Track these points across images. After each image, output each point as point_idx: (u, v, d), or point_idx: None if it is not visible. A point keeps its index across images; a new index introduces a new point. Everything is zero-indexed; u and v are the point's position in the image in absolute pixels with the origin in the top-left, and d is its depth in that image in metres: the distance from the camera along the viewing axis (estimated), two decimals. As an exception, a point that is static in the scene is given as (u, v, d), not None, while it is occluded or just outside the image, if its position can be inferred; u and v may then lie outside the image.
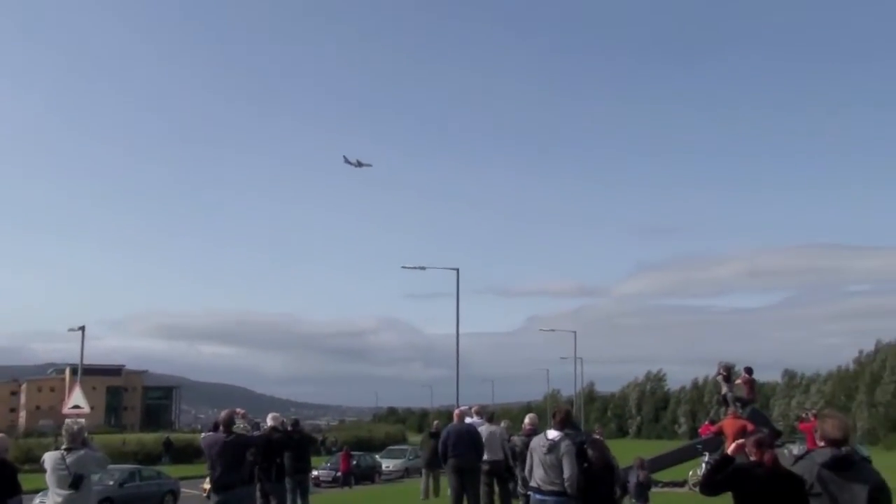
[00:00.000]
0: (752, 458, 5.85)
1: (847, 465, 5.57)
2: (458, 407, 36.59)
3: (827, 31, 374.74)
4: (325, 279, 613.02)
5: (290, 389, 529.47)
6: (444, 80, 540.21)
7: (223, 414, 10.63)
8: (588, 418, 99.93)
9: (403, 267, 44.79)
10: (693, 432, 74.36)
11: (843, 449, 5.62)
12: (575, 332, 70.35)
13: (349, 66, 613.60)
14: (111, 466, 23.10)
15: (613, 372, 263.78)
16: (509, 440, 15.12)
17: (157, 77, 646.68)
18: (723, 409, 22.46)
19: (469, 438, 14.82)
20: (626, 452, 31.40)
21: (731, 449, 6.29)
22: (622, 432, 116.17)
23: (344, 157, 79.52)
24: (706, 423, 32.69)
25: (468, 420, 15.65)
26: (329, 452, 55.21)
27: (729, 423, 17.14)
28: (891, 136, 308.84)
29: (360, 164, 79.92)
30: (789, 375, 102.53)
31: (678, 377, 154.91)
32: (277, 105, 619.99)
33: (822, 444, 5.73)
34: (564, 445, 9.75)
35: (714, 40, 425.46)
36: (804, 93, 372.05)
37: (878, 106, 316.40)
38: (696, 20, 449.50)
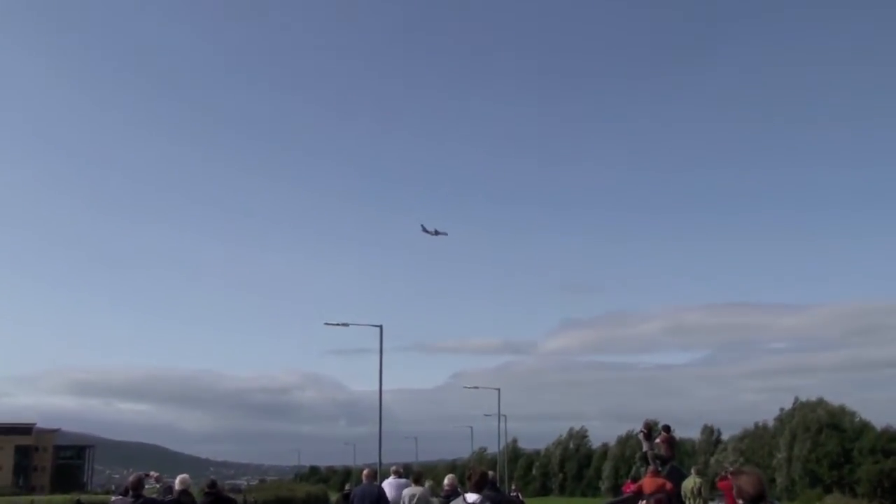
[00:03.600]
0: None
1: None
2: (380, 465, 36.20)
3: (731, 90, 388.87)
4: (248, 335, 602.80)
5: (210, 448, 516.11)
6: (363, 126, 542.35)
7: (132, 477, 10.28)
8: (512, 476, 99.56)
9: (326, 324, 44.07)
10: (616, 489, 74.69)
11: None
12: (499, 390, 70.51)
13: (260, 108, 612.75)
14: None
15: (538, 428, 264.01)
16: (427, 502, 14.90)
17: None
18: (643, 467, 22.62)
19: (372, 499, 14.56)
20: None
21: None
22: (546, 490, 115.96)
23: (422, 226, 78.98)
24: (628, 480, 32.81)
25: (390, 480, 15.41)
26: (248, 513, 53.77)
27: (648, 482, 17.25)
28: (810, 195, 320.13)
29: (437, 233, 79.65)
30: (708, 432, 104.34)
31: (602, 434, 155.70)
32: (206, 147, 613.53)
33: (739, 501, 5.75)
34: (485, 507, 9.59)
35: (635, 93, 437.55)
36: (722, 150, 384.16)
37: (796, 165, 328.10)
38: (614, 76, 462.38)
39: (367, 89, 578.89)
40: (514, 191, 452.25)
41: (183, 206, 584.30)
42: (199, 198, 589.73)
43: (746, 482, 5.74)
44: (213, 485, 16.15)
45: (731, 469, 21.74)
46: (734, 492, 5.89)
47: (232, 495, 30.34)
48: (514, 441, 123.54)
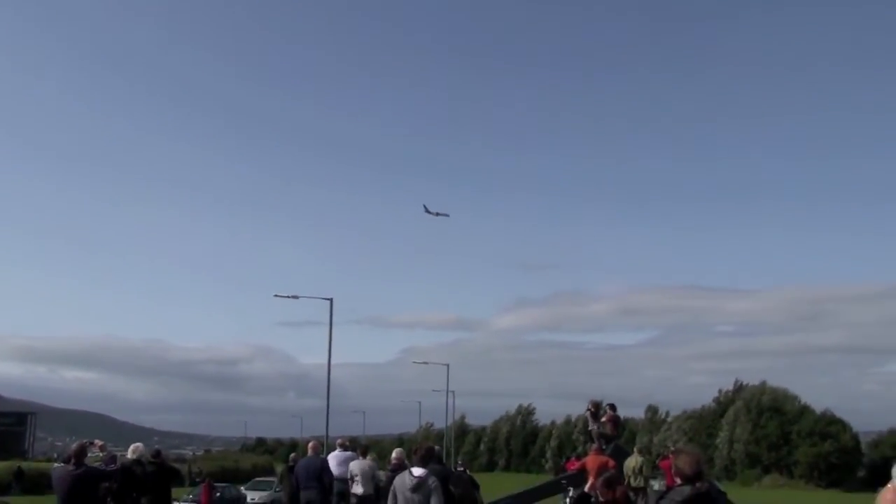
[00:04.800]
0: (602, 497, 5.96)
1: (706, 502, 5.69)
2: (327, 438, 36.17)
3: (688, 74, 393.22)
4: (199, 306, 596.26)
5: (156, 418, 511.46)
6: (309, 100, 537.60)
7: (75, 445, 10.17)
8: (459, 451, 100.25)
9: (276, 296, 43.62)
10: (561, 467, 75.61)
11: (699, 485, 5.74)
12: (448, 365, 70.87)
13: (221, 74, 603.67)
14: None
15: (487, 405, 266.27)
16: (374, 475, 14.98)
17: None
18: (589, 445, 22.89)
19: (316, 472, 14.60)
20: (495, 486, 31.68)
21: (588, 486, 6.42)
22: (492, 465, 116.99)
23: (424, 206, 78.22)
24: (572, 458, 33.20)
25: (336, 453, 15.45)
26: (193, 483, 53.41)
27: (591, 460, 17.49)
28: (759, 182, 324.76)
29: (438, 214, 79.14)
30: (652, 412, 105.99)
31: (550, 411, 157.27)
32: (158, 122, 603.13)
33: (677, 480, 5.86)
34: (431, 482, 9.66)
35: (594, 75, 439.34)
36: (676, 135, 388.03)
37: (744, 153, 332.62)
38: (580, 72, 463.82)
39: (310, 61, 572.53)
40: (471, 169, 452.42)
41: (132, 175, 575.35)
42: (147, 168, 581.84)
43: (684, 462, 5.86)
44: (157, 454, 15.99)
45: (672, 449, 22.14)
46: (672, 471, 6.00)
47: (176, 465, 30.14)
48: (463, 417, 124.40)
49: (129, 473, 12.51)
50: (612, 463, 16.73)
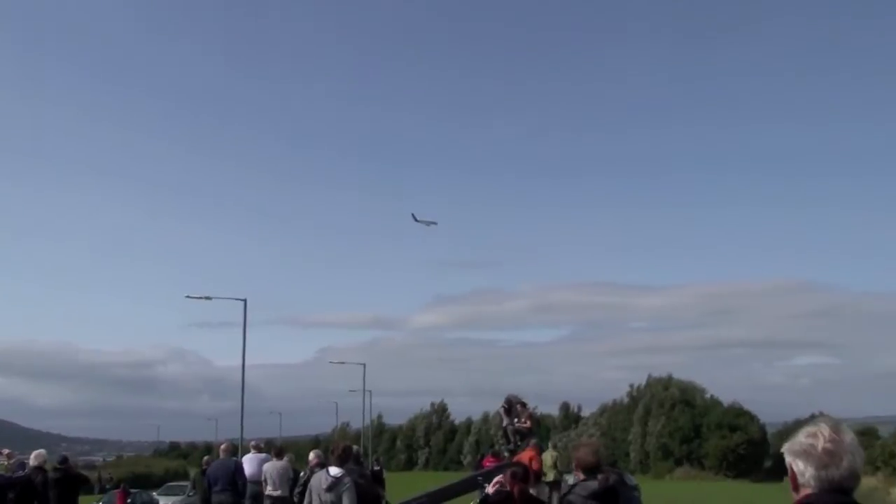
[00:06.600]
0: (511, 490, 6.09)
1: (612, 495, 5.82)
2: (241, 440, 35.76)
3: (600, 93, 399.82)
4: (110, 307, 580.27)
5: (64, 423, 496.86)
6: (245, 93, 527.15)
7: (-23, 454, 9.81)
8: (377, 450, 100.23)
9: (188, 297, 42.83)
10: (477, 464, 76.13)
11: (601, 477, 5.89)
12: (364, 365, 70.88)
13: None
14: None
15: (406, 404, 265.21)
16: (293, 476, 14.87)
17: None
18: (503, 443, 23.10)
19: (229, 475, 14.47)
20: (414, 484, 31.70)
21: (489, 488, 6.53)
22: (411, 464, 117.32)
23: (413, 215, 76.86)
24: (488, 454, 33.44)
25: (250, 456, 15.29)
26: (103, 490, 52.21)
27: (528, 456, 17.65)
28: (667, 184, 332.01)
29: (428, 223, 77.99)
30: (566, 408, 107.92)
31: (470, 409, 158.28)
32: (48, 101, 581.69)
33: (579, 473, 6.01)
34: (346, 482, 9.66)
35: (512, 89, 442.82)
36: (584, 140, 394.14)
37: (654, 155, 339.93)
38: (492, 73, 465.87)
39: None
40: (388, 164, 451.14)
41: (37, 163, 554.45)
42: (53, 155, 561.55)
43: (584, 453, 6.04)
44: (64, 460, 15.47)
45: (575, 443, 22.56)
46: (573, 463, 6.18)
47: (85, 472, 29.36)
48: (380, 416, 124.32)
49: (29, 481, 12.12)
50: (536, 462, 16.92)
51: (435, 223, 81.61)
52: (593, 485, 5.86)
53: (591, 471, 5.90)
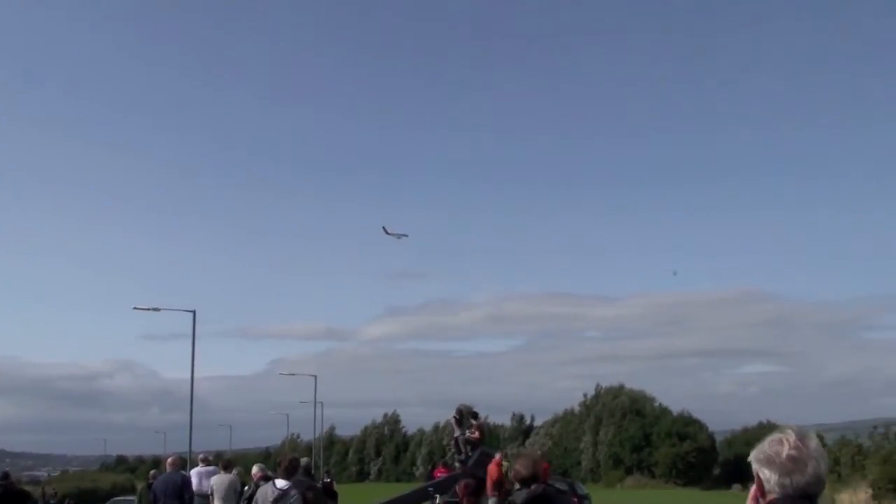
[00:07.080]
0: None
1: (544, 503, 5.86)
2: (190, 453, 35.25)
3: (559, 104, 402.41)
4: (55, 318, 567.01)
5: (7, 438, 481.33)
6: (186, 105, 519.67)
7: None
8: (328, 462, 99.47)
9: (136, 308, 42.15)
10: (428, 474, 75.98)
11: (534, 486, 5.92)
12: (315, 377, 70.31)
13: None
14: None
15: (358, 415, 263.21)
16: (241, 489, 14.71)
17: None
18: (452, 452, 23.11)
19: (176, 489, 14.33)
20: (366, 496, 31.58)
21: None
22: (363, 475, 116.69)
23: (384, 228, 75.55)
24: (440, 465, 33.38)
25: (197, 469, 15.08)
26: (47, 506, 51.11)
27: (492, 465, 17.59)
28: (619, 196, 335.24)
29: (399, 236, 76.80)
30: (518, 418, 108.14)
31: (423, 420, 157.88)
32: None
33: (516, 484, 6.04)
34: (293, 494, 9.57)
35: (476, 92, 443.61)
36: (541, 153, 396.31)
37: (608, 169, 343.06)
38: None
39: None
40: (340, 173, 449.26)
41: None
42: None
43: (521, 465, 6.07)
44: (5, 476, 15.12)
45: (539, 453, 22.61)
46: (511, 474, 6.22)
47: (29, 488, 28.72)
48: (332, 428, 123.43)
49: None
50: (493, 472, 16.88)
51: (406, 235, 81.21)
52: (523, 494, 5.92)
53: (526, 482, 5.93)
